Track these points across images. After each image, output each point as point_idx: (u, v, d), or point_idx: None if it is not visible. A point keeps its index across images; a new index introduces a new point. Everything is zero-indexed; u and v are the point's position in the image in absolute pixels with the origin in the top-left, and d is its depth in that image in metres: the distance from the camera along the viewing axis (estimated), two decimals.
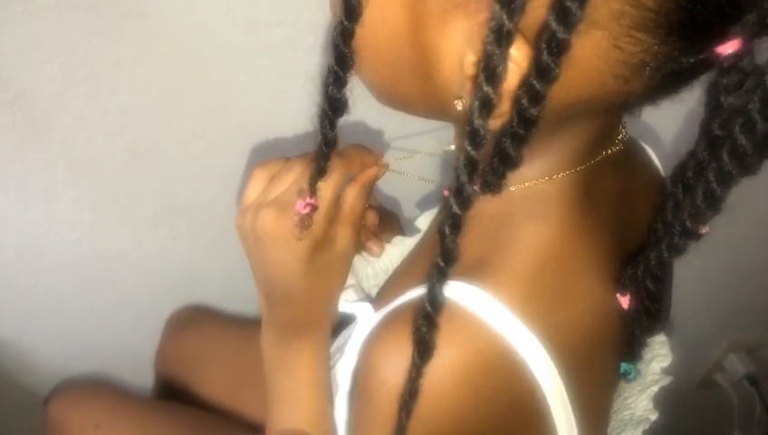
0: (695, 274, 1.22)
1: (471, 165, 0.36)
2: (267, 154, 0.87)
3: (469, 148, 0.35)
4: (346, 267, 0.58)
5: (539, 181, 0.46)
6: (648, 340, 0.52)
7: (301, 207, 0.51)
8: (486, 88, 0.33)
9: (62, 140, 0.81)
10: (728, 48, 0.34)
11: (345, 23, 0.37)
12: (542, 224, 0.46)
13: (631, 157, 0.54)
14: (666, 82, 0.37)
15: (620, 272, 0.47)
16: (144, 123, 0.82)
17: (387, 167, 0.59)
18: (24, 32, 0.73)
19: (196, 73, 0.79)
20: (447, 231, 0.38)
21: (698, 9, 0.32)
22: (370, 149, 0.58)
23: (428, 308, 0.40)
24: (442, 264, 0.39)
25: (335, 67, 0.39)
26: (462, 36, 0.37)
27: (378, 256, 0.62)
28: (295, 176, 0.53)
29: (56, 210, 0.87)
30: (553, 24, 0.31)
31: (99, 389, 0.92)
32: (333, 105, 0.42)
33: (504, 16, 0.31)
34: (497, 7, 0.31)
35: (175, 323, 0.98)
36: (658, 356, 0.58)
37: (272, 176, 0.55)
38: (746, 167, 0.34)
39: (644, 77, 0.36)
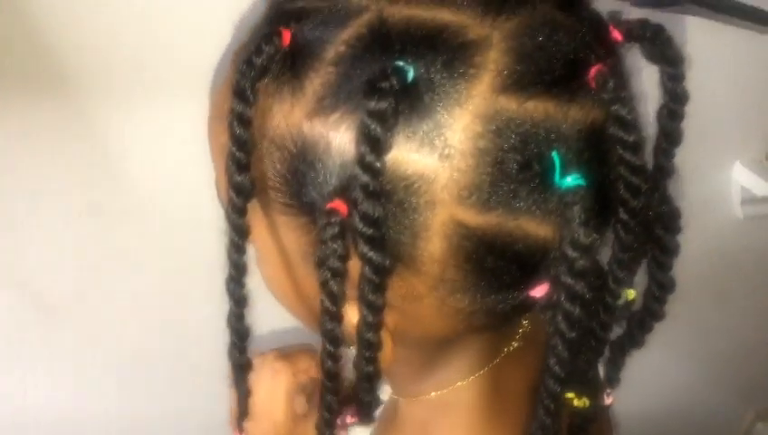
0: (717, 346, 1.21)
1: (327, 425, 0.42)
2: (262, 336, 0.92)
3: (324, 410, 0.42)
4: None
5: (452, 387, 0.51)
6: None
7: None
8: (328, 347, 0.39)
9: (78, 328, 0.88)
10: (538, 292, 0.39)
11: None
12: (457, 427, 0.51)
13: (539, 344, 0.56)
14: (502, 317, 0.42)
15: None
16: (150, 309, 0.88)
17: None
18: (38, 239, 0.81)
19: (193, 259, 0.85)
20: None
21: (495, 272, 0.37)
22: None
23: None
24: None
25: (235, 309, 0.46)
26: None
27: None
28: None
29: (82, 387, 0.93)
30: (364, 311, 0.37)
31: None
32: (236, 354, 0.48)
33: (329, 304, 0.37)
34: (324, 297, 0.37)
35: None
36: None
37: None
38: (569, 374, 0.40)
39: (481, 318, 0.41)
